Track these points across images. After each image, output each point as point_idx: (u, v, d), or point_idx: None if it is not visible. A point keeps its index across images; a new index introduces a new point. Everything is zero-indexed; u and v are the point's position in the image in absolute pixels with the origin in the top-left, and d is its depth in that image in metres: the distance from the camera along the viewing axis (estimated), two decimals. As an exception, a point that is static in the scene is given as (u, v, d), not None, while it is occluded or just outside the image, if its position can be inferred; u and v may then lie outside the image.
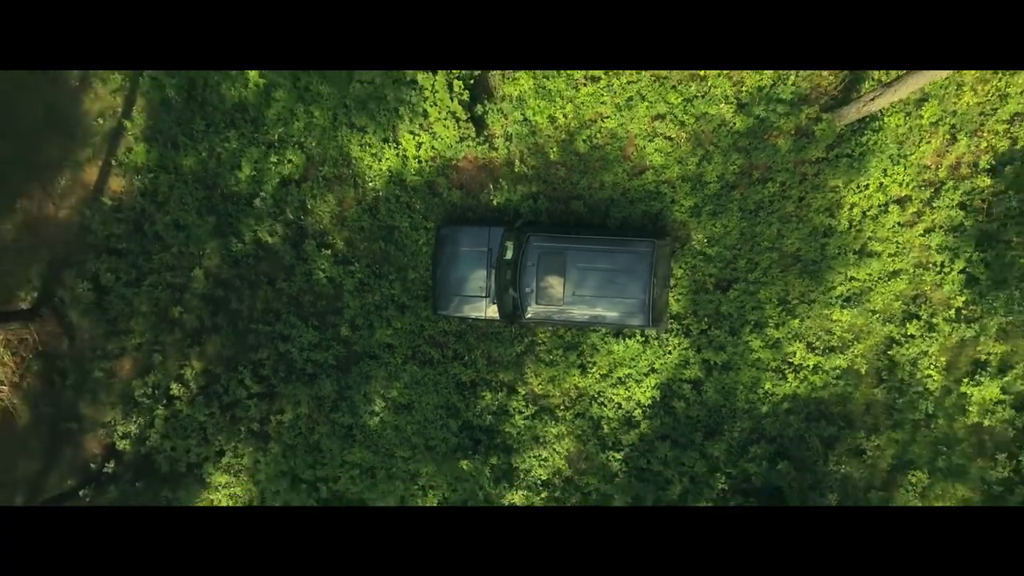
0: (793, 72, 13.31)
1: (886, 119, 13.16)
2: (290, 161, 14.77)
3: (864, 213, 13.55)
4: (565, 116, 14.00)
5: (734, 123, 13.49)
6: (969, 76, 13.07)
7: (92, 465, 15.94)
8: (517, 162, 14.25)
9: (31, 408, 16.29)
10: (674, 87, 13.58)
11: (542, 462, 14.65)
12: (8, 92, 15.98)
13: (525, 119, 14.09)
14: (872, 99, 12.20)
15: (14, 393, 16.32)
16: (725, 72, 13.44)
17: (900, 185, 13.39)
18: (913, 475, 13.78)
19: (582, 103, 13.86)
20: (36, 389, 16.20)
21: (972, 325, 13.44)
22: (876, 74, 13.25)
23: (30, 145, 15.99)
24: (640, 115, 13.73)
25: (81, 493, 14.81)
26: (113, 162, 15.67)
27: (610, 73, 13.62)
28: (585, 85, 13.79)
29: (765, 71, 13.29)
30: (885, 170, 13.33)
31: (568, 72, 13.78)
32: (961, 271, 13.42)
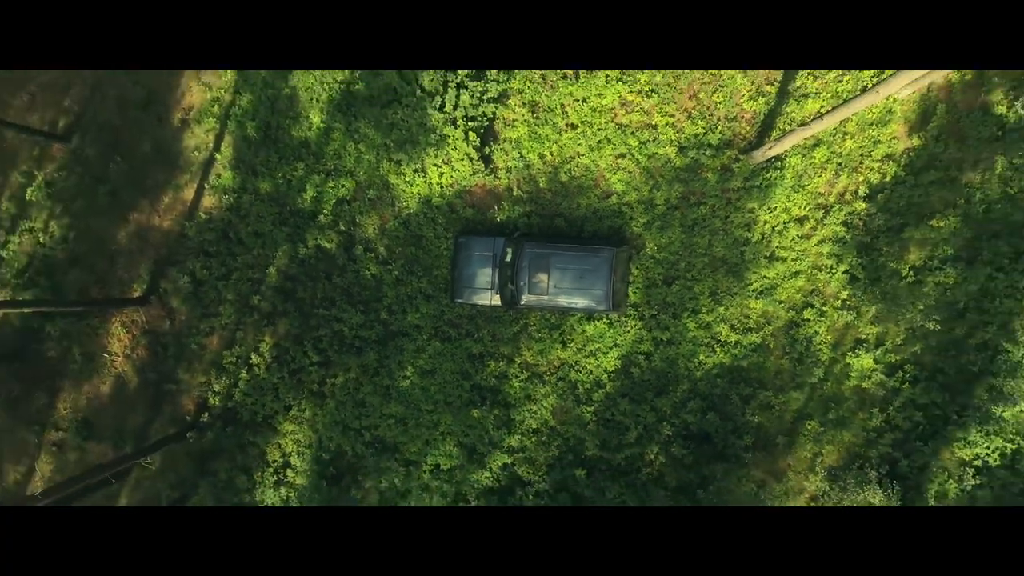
0: (720, 123, 17.78)
1: (789, 159, 17.49)
2: (343, 186, 19.22)
3: (773, 228, 17.71)
4: (551, 154, 18.23)
5: (676, 161, 17.83)
6: (852, 126, 17.42)
7: (187, 418, 20.48)
8: (515, 188, 18.47)
9: (138, 374, 20.86)
10: (632, 133, 17.98)
11: (533, 414, 18.83)
12: (123, 129, 20.50)
13: (521, 156, 18.32)
14: (771, 147, 16.66)
15: (125, 362, 20.95)
16: (671, 121, 17.90)
17: (799, 207, 17.59)
18: (810, 424, 17.85)
19: (564, 144, 18.21)
20: (143, 359, 20.72)
21: (853, 312, 17.49)
22: (780, 124, 17.67)
23: (141, 172, 20.37)
24: (607, 154, 18.03)
25: (188, 435, 19.30)
26: (206, 185, 19.95)
27: (584, 123, 18.11)
28: (566, 131, 18.21)
29: (699, 122, 17.78)
30: (788, 196, 17.67)
31: (553, 120, 18.29)
32: (845, 272, 17.40)
